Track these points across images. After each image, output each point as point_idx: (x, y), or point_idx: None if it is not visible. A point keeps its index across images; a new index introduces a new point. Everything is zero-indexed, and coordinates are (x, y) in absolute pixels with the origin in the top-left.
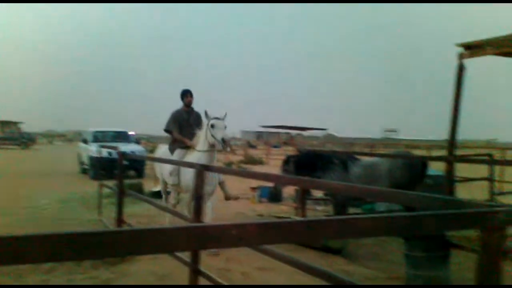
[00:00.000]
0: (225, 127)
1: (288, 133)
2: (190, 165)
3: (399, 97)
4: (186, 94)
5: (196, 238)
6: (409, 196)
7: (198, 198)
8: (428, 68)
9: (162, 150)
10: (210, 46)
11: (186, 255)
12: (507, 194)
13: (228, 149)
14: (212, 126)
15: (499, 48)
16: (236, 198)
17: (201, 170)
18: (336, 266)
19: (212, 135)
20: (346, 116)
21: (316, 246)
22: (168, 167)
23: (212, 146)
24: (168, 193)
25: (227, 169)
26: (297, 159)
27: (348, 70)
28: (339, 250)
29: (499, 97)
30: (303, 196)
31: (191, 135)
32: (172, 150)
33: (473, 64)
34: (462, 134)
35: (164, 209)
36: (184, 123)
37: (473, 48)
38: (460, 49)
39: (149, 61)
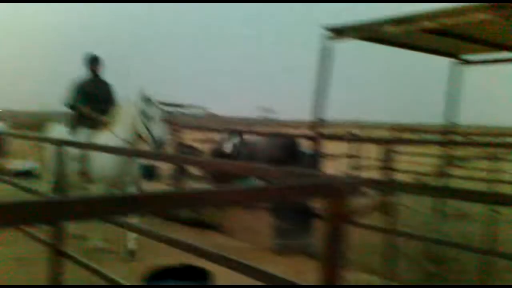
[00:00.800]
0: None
1: (167, 110)
2: (49, 140)
3: (277, 78)
4: (93, 61)
5: (37, 212)
6: (268, 171)
7: (59, 176)
8: (306, 50)
9: (59, 131)
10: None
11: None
12: (366, 169)
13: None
14: (148, 115)
15: (361, 33)
16: None
17: (60, 145)
18: (210, 240)
19: (147, 128)
20: (225, 95)
21: (193, 222)
22: (70, 150)
23: (138, 136)
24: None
25: (104, 147)
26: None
27: (226, 51)
28: (214, 225)
29: (366, 79)
30: (179, 173)
31: (101, 112)
32: (75, 129)
33: (341, 46)
34: (333, 114)
35: (27, 190)
36: (92, 97)
37: (338, 32)
38: (327, 32)
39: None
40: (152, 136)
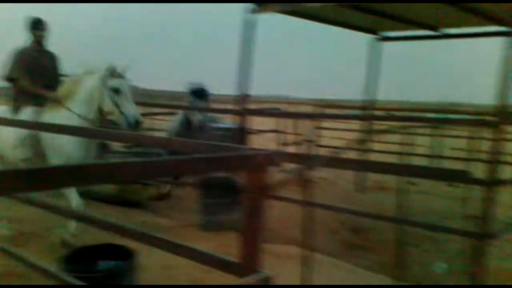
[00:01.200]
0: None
1: None
2: None
3: (205, 53)
4: (37, 25)
5: None
6: (189, 144)
7: None
8: (234, 25)
9: None
10: None
11: None
12: (292, 143)
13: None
14: (117, 90)
15: (284, 6)
16: None
17: None
18: (134, 218)
19: (117, 106)
20: (151, 67)
21: (115, 200)
22: (12, 134)
23: (102, 114)
24: None
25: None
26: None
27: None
28: (137, 202)
29: (292, 55)
30: (100, 149)
31: (48, 87)
32: (17, 108)
33: (267, 19)
34: (260, 90)
35: None
36: (35, 68)
37: (260, 4)
38: (249, 4)
39: None
40: (123, 114)
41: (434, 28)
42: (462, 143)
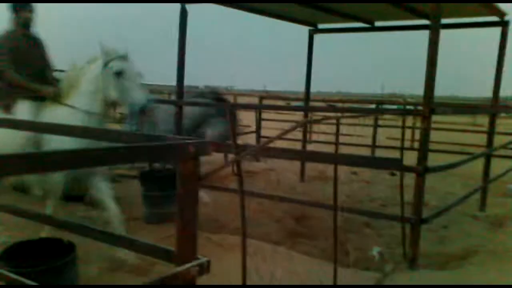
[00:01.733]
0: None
1: None
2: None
3: (143, 42)
4: (23, 6)
5: None
6: (121, 135)
7: None
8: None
9: None
10: None
11: None
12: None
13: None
14: (119, 73)
15: None
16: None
17: None
18: (77, 213)
19: (121, 91)
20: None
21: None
22: (10, 135)
23: (108, 105)
24: None
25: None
26: None
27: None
28: (80, 197)
29: (236, 46)
30: None
31: (37, 78)
32: (7, 105)
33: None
34: (201, 81)
35: None
36: (22, 57)
37: None
38: None
39: None
40: (128, 100)
41: (369, 21)
42: (400, 132)
